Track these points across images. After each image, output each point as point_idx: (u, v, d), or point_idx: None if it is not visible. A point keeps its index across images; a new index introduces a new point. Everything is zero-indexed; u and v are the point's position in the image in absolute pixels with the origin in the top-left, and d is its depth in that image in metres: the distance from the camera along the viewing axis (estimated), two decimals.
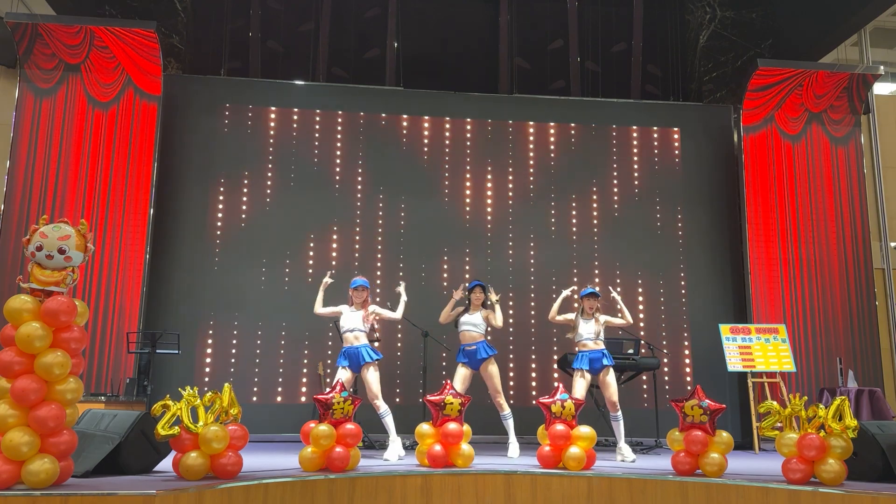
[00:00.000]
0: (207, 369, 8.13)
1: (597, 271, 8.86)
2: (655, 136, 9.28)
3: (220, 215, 8.49)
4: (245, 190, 8.58)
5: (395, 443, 5.89)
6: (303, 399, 8.17)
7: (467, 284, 6.62)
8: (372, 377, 5.96)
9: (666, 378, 8.59)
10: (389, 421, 5.94)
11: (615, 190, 9.10)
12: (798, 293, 8.72)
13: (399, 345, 8.45)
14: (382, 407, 5.97)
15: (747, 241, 8.74)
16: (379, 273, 8.55)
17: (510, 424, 6.20)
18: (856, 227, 8.93)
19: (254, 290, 8.36)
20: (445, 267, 8.69)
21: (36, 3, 9.34)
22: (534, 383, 8.56)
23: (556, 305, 6.43)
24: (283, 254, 8.49)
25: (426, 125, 9.02)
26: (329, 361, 8.18)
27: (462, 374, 6.26)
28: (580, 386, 6.11)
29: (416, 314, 8.45)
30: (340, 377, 5.87)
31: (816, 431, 4.45)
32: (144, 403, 6.69)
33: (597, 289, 6.55)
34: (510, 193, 8.96)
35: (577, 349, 6.33)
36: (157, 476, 4.45)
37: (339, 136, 8.85)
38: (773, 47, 9.79)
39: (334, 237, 8.62)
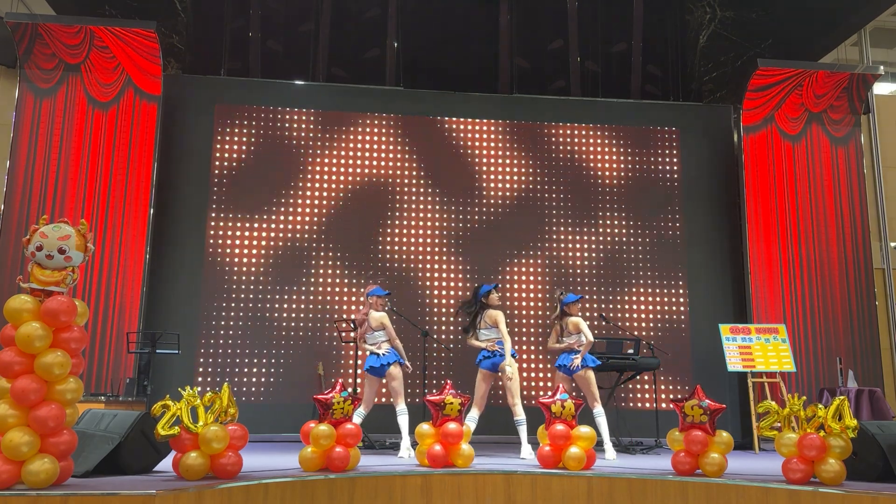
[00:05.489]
0: (207, 369, 8.13)
1: (595, 271, 8.87)
2: (655, 136, 9.28)
3: (220, 215, 8.49)
4: (245, 190, 8.57)
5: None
6: (303, 399, 8.17)
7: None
8: None
9: (666, 378, 8.59)
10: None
11: (615, 190, 9.10)
12: (798, 293, 8.72)
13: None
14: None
15: (747, 241, 8.74)
16: (379, 273, 8.55)
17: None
18: (856, 227, 8.93)
19: (254, 290, 8.37)
20: (445, 267, 8.69)
21: (36, 3, 9.34)
22: (534, 383, 8.56)
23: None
24: (282, 253, 8.50)
25: (426, 125, 9.02)
26: (330, 361, 8.19)
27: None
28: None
29: (417, 315, 8.49)
30: None
31: (816, 431, 4.45)
32: (144, 403, 6.68)
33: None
34: (510, 193, 8.97)
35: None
36: (157, 476, 4.45)
37: (339, 137, 8.85)
38: (773, 47, 9.79)
39: (331, 236, 8.62)
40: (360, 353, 7.03)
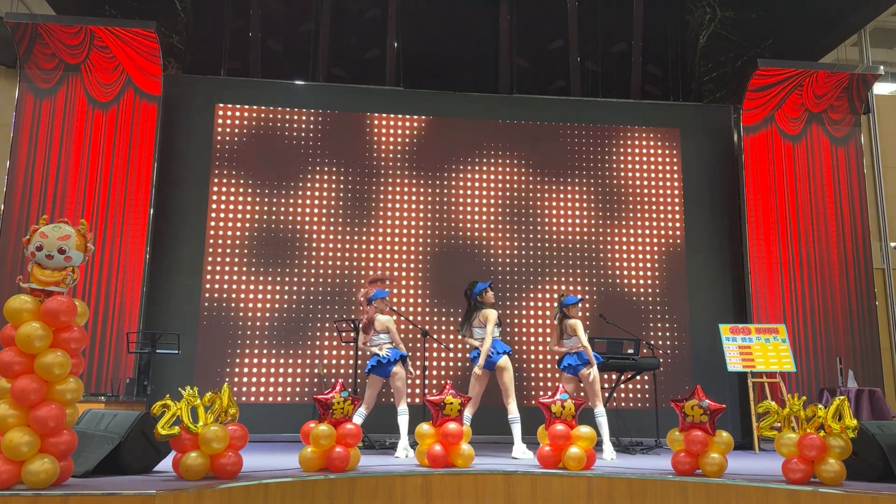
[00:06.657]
0: (207, 369, 8.13)
1: (596, 271, 8.86)
2: (655, 136, 9.28)
3: (220, 215, 8.49)
4: (245, 190, 8.58)
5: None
6: (303, 399, 8.17)
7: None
8: None
9: (666, 378, 8.59)
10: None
11: (615, 190, 9.10)
12: (798, 293, 8.72)
13: None
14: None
15: (747, 241, 8.74)
16: (378, 273, 8.55)
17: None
18: (856, 227, 8.94)
19: (254, 290, 8.37)
20: (444, 266, 8.69)
21: (36, 3, 9.34)
22: (534, 383, 8.56)
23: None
24: (282, 254, 8.50)
25: (426, 125, 9.02)
26: (330, 361, 8.19)
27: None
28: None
29: (416, 314, 8.49)
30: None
31: (816, 431, 4.44)
32: (144, 403, 6.69)
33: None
34: (510, 193, 8.97)
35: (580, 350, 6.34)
36: (157, 476, 4.45)
37: (339, 137, 8.85)
38: (773, 47, 9.79)
39: (332, 237, 8.63)
40: (359, 353, 7.03)
